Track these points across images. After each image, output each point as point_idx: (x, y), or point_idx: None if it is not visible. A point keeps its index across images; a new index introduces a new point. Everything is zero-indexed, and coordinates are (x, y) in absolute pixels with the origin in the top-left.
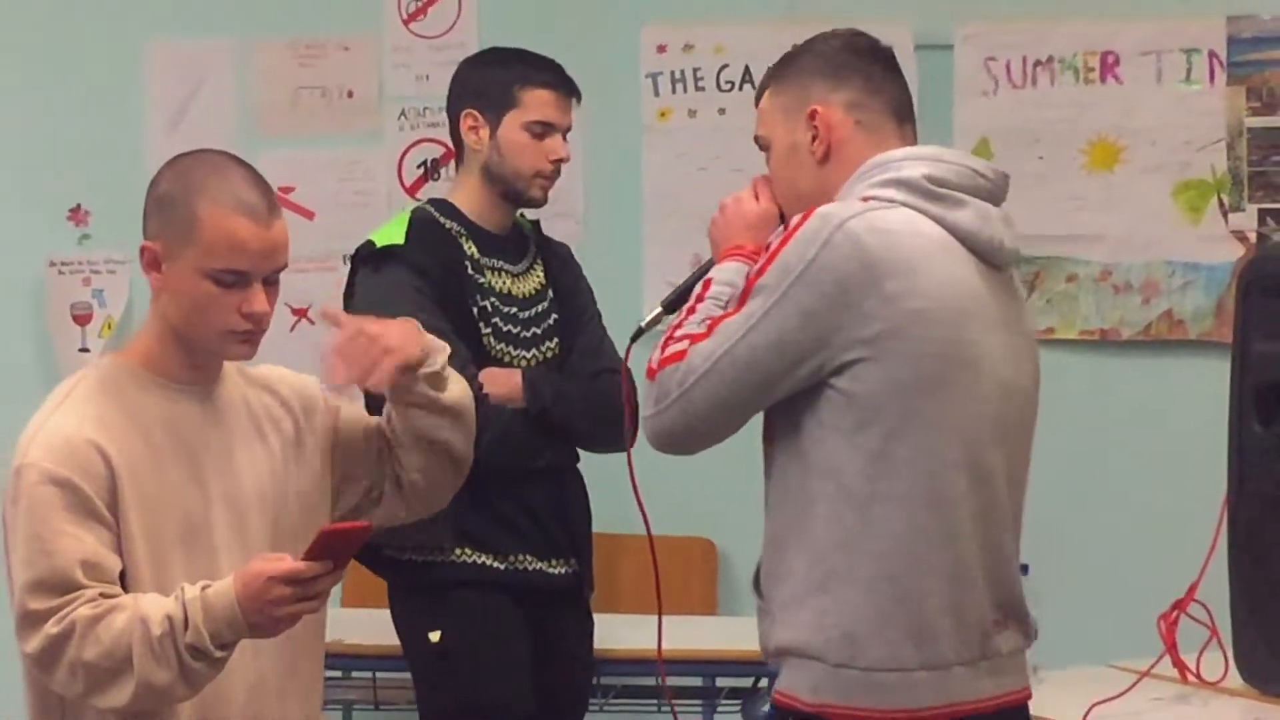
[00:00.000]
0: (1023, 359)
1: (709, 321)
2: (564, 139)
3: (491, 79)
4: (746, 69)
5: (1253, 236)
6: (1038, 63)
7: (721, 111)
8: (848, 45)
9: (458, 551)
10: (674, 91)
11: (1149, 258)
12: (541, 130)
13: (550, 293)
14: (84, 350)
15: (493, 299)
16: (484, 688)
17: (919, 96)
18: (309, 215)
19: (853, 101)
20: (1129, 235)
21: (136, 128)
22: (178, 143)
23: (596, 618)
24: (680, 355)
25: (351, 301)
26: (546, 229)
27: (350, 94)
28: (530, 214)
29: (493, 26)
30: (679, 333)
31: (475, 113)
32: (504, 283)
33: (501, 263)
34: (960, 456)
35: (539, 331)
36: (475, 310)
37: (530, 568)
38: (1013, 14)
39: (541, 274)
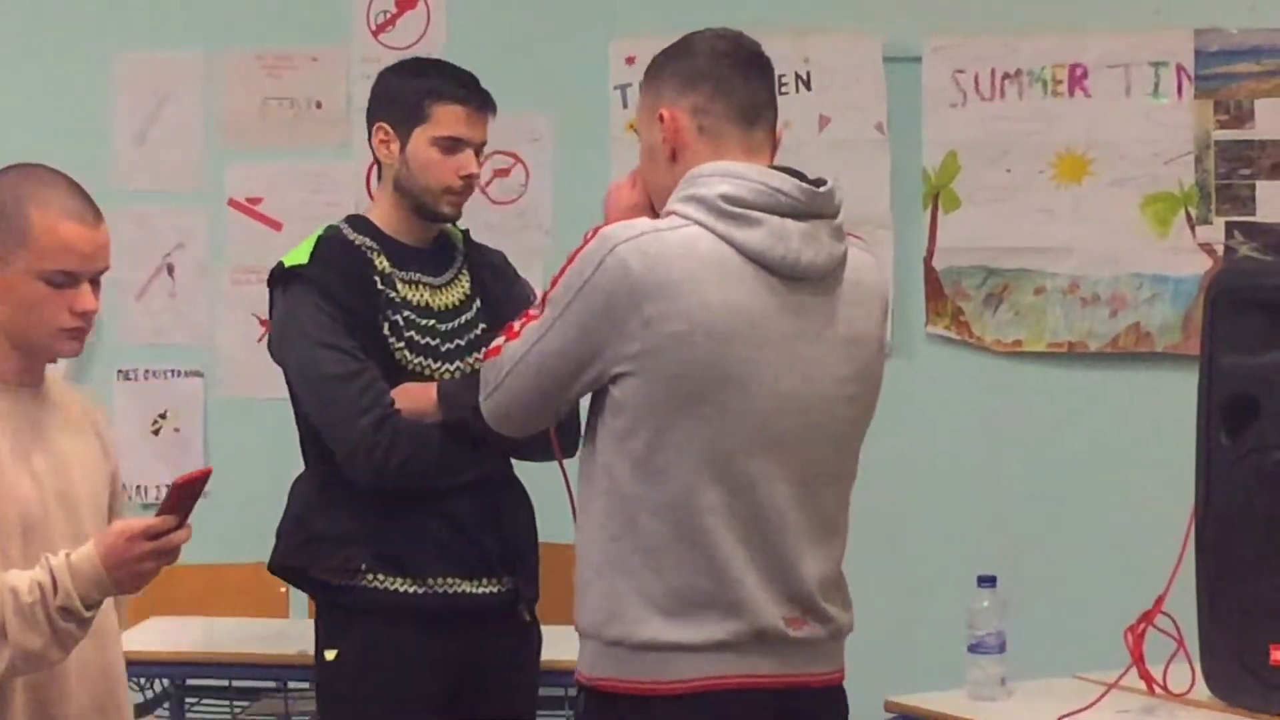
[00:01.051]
0: (823, 367)
1: (522, 320)
2: (477, 154)
3: (403, 91)
4: None
5: (1220, 249)
6: (1006, 75)
7: None
8: (708, 48)
9: (369, 576)
10: None
11: (1117, 270)
12: (450, 145)
13: (477, 303)
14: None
15: (406, 313)
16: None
17: (889, 108)
18: (276, 226)
19: (698, 106)
20: (1097, 248)
21: (104, 140)
22: (145, 154)
23: (547, 630)
24: (498, 350)
25: (271, 320)
26: (515, 239)
27: (318, 105)
28: (474, 221)
29: (461, 38)
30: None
31: (386, 126)
32: (421, 295)
33: (419, 275)
34: (714, 467)
35: (462, 343)
36: (386, 326)
37: (453, 590)
38: (981, 27)
39: (467, 284)
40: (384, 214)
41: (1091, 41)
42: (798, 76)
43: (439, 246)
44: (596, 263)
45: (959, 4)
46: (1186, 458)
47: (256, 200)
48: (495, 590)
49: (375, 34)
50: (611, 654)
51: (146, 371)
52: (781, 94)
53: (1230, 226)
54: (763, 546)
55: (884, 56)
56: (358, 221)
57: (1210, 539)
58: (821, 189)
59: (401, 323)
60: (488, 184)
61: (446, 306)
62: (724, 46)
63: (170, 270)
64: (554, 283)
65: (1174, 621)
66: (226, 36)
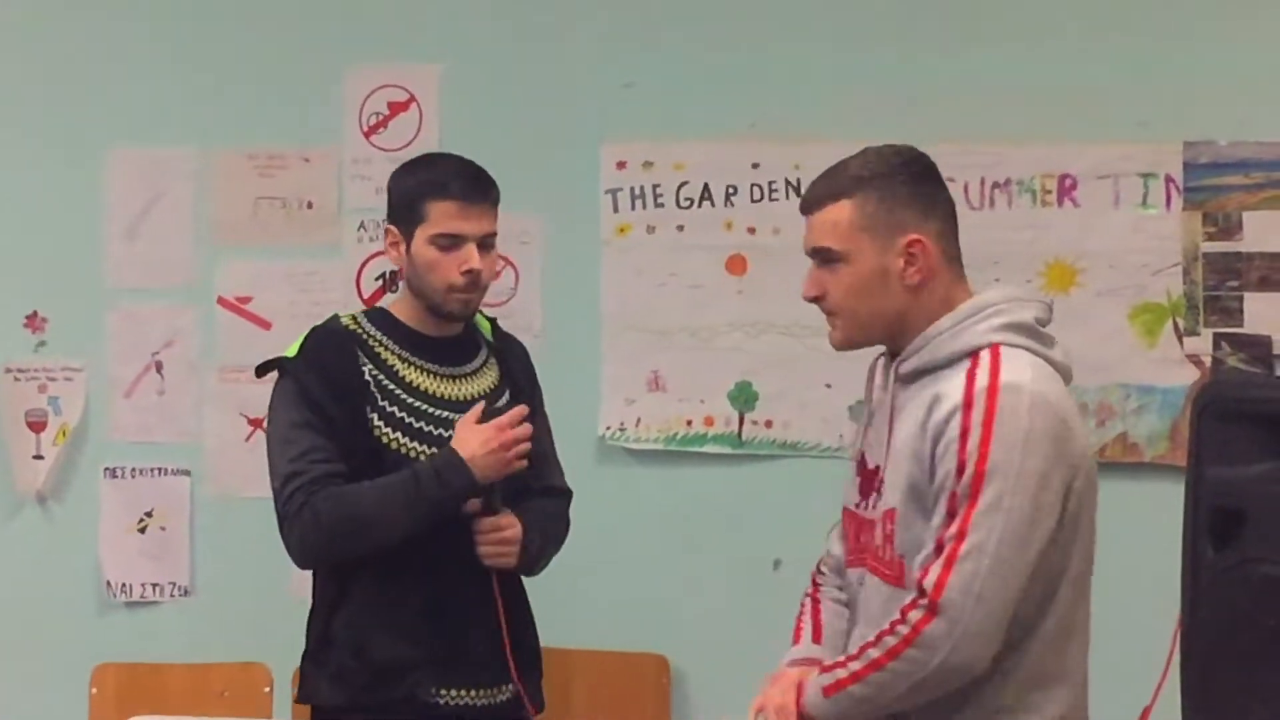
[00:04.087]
0: None
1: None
2: (479, 247)
3: (403, 191)
4: (706, 186)
5: (1207, 360)
6: (996, 184)
7: (680, 228)
8: (927, 170)
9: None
10: (633, 208)
11: (1104, 380)
12: (448, 243)
13: (507, 394)
14: (38, 458)
15: (411, 400)
16: None
17: None
18: (266, 325)
19: (941, 232)
20: (1085, 357)
21: (95, 235)
22: (136, 251)
23: None
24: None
25: None
26: None
27: (309, 205)
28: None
29: (453, 140)
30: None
31: (393, 228)
32: (436, 385)
33: (434, 365)
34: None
35: None
36: (376, 414)
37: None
38: (971, 136)
39: (496, 374)
40: (404, 307)
41: (1081, 152)
42: (788, 183)
43: (462, 337)
44: (1026, 409)
45: (949, 113)
46: (1173, 569)
47: (246, 299)
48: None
49: (367, 135)
50: None
51: (133, 469)
52: (772, 200)
53: (1218, 338)
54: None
55: None
56: (375, 313)
57: (1196, 651)
58: None
59: (399, 411)
60: None
61: (469, 396)
62: (933, 168)
63: (159, 368)
64: (983, 457)
65: None
66: (219, 135)
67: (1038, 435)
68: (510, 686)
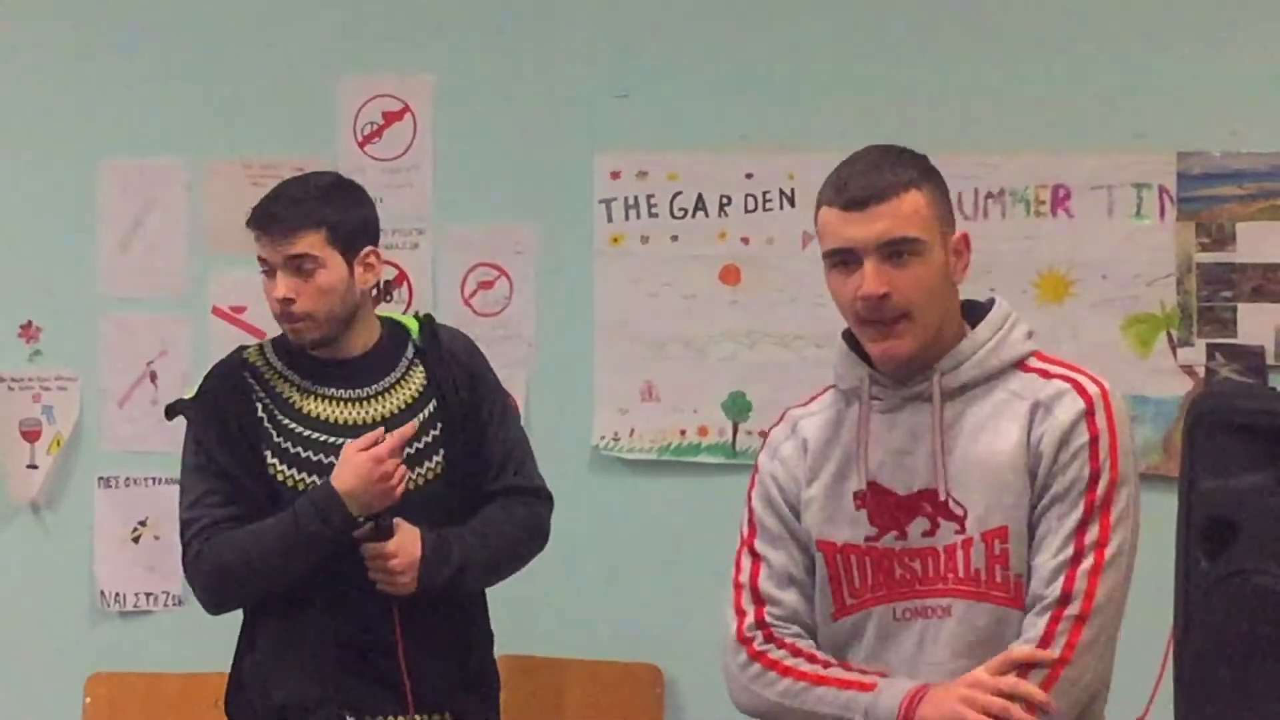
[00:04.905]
0: None
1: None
2: (295, 272)
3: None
4: (700, 196)
5: (1201, 371)
6: (989, 195)
7: (674, 238)
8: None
9: None
10: (627, 217)
11: None
12: (266, 270)
13: (431, 405)
14: (32, 467)
15: (309, 432)
16: None
17: None
18: (259, 335)
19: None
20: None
21: (89, 245)
22: (130, 261)
23: None
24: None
25: None
26: (499, 350)
27: None
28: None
29: (447, 150)
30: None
31: None
32: (338, 411)
33: (337, 390)
34: None
35: (410, 453)
36: (269, 451)
37: None
38: (965, 146)
39: (420, 381)
40: None
41: (1074, 162)
42: (782, 193)
43: (374, 354)
44: (1129, 418)
45: (943, 123)
46: (1166, 579)
47: (240, 309)
48: None
49: (361, 145)
50: None
51: (127, 479)
52: (766, 210)
53: (1211, 348)
54: None
55: None
56: (279, 340)
57: (1189, 662)
58: None
59: (293, 446)
60: (472, 295)
61: (376, 419)
62: None
63: (153, 378)
64: (1114, 465)
65: None
66: (212, 145)
67: (1133, 442)
68: (446, 716)
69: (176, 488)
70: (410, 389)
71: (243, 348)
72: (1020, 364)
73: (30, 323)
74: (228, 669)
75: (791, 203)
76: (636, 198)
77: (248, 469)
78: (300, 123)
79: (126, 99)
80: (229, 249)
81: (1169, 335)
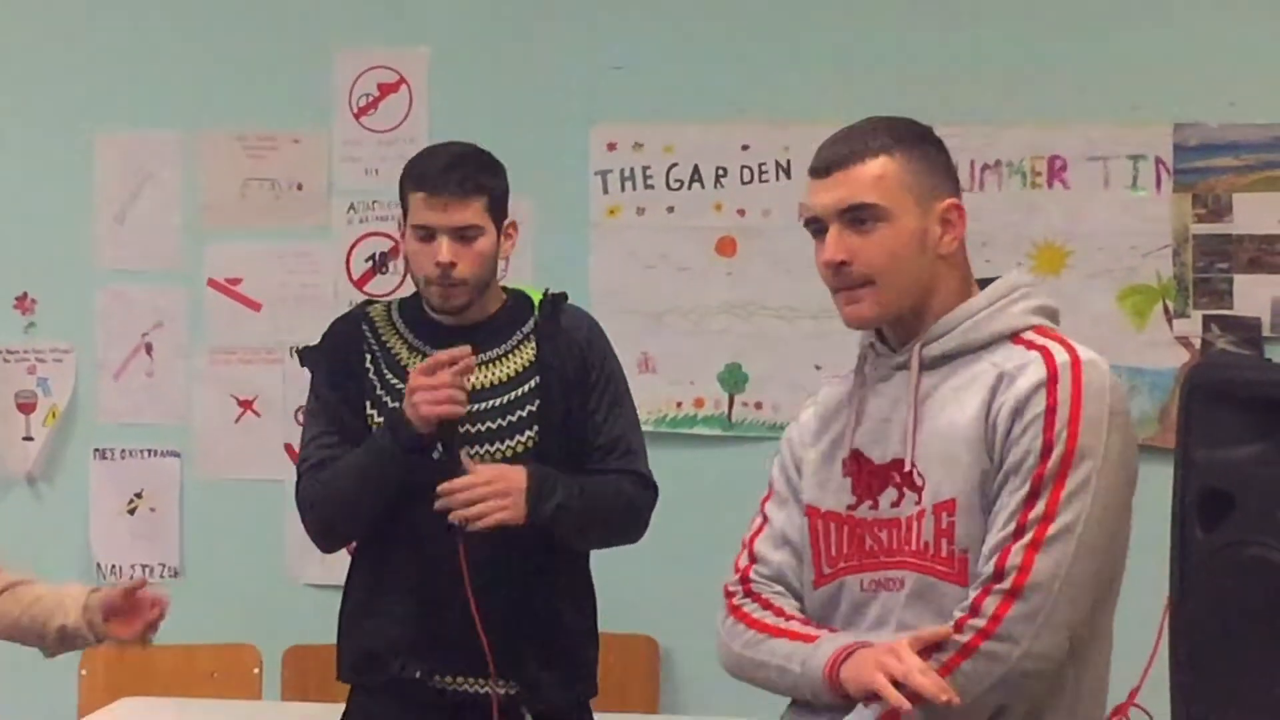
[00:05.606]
0: None
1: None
2: (459, 239)
3: (401, 183)
4: (696, 168)
5: (1197, 342)
6: (985, 166)
7: (670, 210)
8: (942, 143)
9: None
10: (623, 189)
11: None
12: (424, 234)
13: (535, 379)
14: (28, 439)
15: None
16: None
17: None
18: (255, 307)
19: (962, 205)
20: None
21: (84, 218)
22: (125, 233)
23: None
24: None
25: None
26: None
27: (299, 186)
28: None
29: (443, 122)
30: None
31: (401, 219)
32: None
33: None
34: None
35: (502, 424)
36: (369, 403)
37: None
38: (961, 118)
39: (529, 356)
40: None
41: (1070, 134)
42: (778, 165)
43: (491, 323)
44: (1110, 387)
45: (938, 95)
46: (1162, 550)
47: (236, 281)
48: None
49: (357, 117)
50: None
51: (123, 451)
52: (762, 182)
53: (1208, 320)
54: None
55: None
56: (408, 301)
57: (1185, 632)
58: None
59: (393, 401)
60: None
61: (479, 385)
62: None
63: (149, 349)
64: (1073, 435)
65: (1149, 715)
66: (208, 117)
67: (1119, 413)
68: (512, 684)
69: (171, 460)
70: (517, 362)
71: (369, 302)
72: (1016, 336)
73: (25, 295)
74: (223, 640)
75: (787, 174)
76: (632, 170)
77: (355, 412)
78: (296, 95)
79: (122, 72)
80: (225, 221)
81: (1165, 306)
